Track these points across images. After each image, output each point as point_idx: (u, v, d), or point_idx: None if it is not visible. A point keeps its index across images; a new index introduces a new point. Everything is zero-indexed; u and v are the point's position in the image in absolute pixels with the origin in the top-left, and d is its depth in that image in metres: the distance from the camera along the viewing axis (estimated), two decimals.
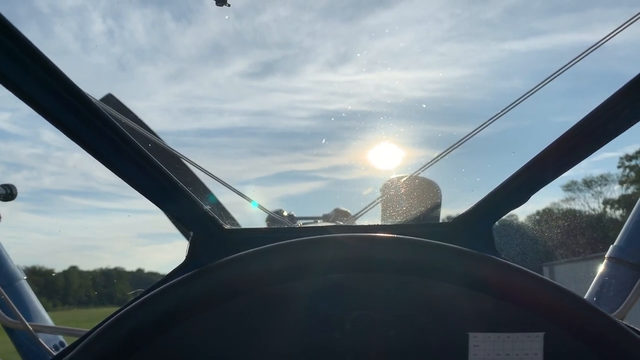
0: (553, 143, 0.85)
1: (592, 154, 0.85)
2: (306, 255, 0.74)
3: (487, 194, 0.92)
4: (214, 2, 1.07)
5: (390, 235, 0.77)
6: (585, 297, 1.64)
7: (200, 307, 0.74)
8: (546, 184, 0.88)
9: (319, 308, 0.76)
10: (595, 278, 1.66)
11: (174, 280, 0.74)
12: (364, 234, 0.77)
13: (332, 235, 0.77)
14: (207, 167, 1.38)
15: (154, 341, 0.72)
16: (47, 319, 1.84)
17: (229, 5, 1.09)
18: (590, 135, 0.83)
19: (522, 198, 0.90)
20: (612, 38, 1.25)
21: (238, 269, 0.75)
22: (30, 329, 1.53)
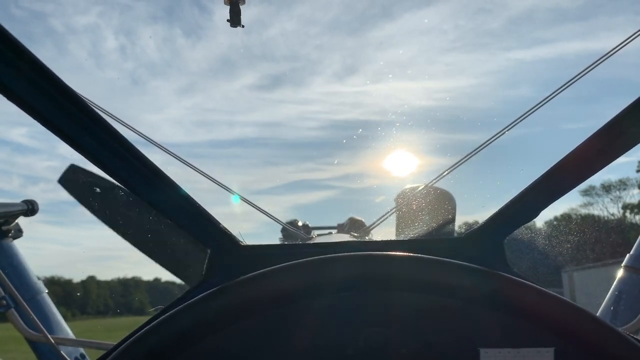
0: (563, 158, 0.86)
1: None
2: (323, 273, 0.76)
3: (498, 209, 0.93)
4: (228, 24, 1.10)
5: (403, 253, 0.79)
6: (602, 306, 1.62)
7: (220, 325, 0.75)
8: (557, 199, 0.88)
9: (332, 325, 0.77)
10: (612, 287, 1.64)
11: (195, 299, 0.76)
12: (378, 252, 0.79)
13: (348, 254, 0.78)
14: (220, 178, 1.41)
15: (176, 359, 0.74)
16: (68, 331, 1.87)
17: (243, 27, 1.12)
18: (601, 150, 0.84)
19: (533, 213, 0.91)
20: (619, 45, 1.24)
21: (256, 287, 0.76)
22: (53, 342, 1.55)
